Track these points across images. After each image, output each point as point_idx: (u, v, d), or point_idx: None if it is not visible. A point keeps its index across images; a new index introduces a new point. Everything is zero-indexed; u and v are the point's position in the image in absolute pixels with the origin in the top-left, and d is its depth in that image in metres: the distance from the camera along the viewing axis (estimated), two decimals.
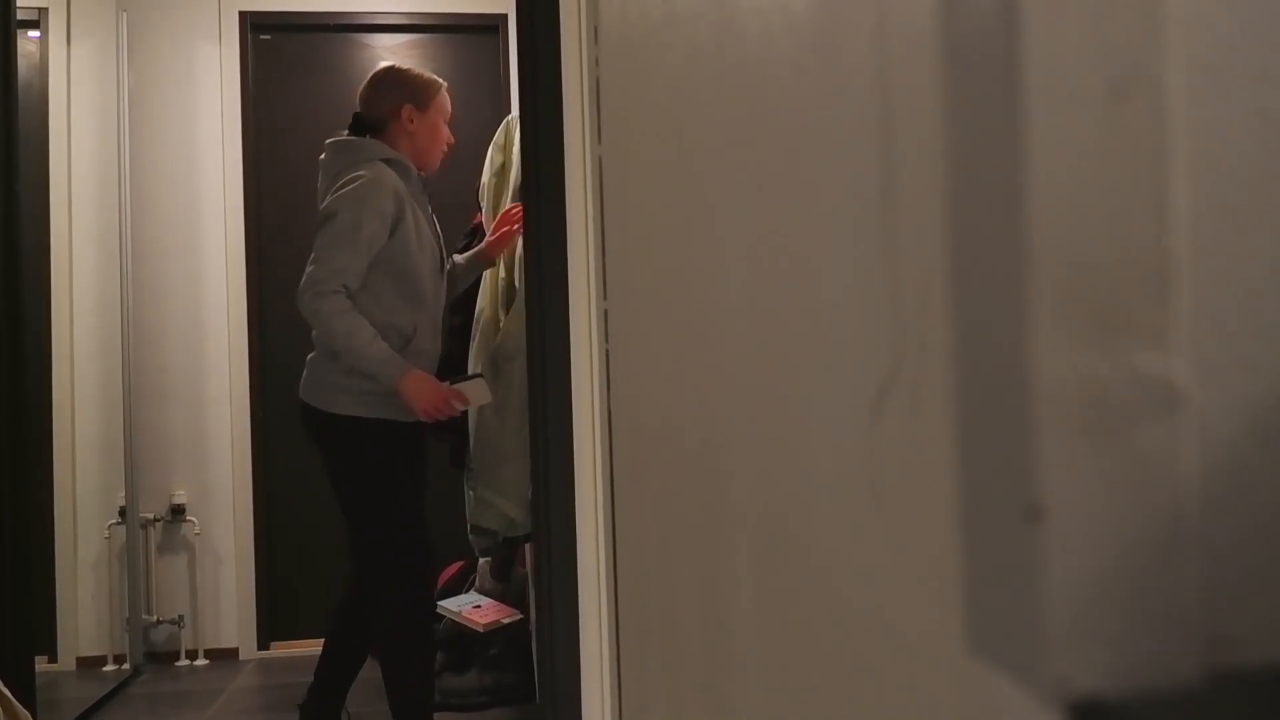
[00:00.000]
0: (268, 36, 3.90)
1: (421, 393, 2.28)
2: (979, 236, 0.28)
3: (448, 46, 3.98)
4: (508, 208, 2.64)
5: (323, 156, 2.45)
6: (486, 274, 2.72)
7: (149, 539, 3.69)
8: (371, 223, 2.27)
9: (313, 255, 2.29)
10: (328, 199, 2.32)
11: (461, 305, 2.75)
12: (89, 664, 3.42)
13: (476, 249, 2.66)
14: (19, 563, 2.61)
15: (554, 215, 1.80)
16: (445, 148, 2.55)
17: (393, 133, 2.45)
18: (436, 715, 2.79)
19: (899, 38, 0.34)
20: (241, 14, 3.83)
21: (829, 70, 0.41)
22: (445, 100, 2.53)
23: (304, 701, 2.56)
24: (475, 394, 2.37)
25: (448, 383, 2.36)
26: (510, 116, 2.76)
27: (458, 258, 2.65)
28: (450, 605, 2.95)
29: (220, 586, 3.74)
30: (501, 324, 2.61)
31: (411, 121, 2.45)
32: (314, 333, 2.37)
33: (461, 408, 2.37)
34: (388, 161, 2.38)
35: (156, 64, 3.78)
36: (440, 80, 2.54)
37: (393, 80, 2.49)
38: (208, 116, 3.80)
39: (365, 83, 2.53)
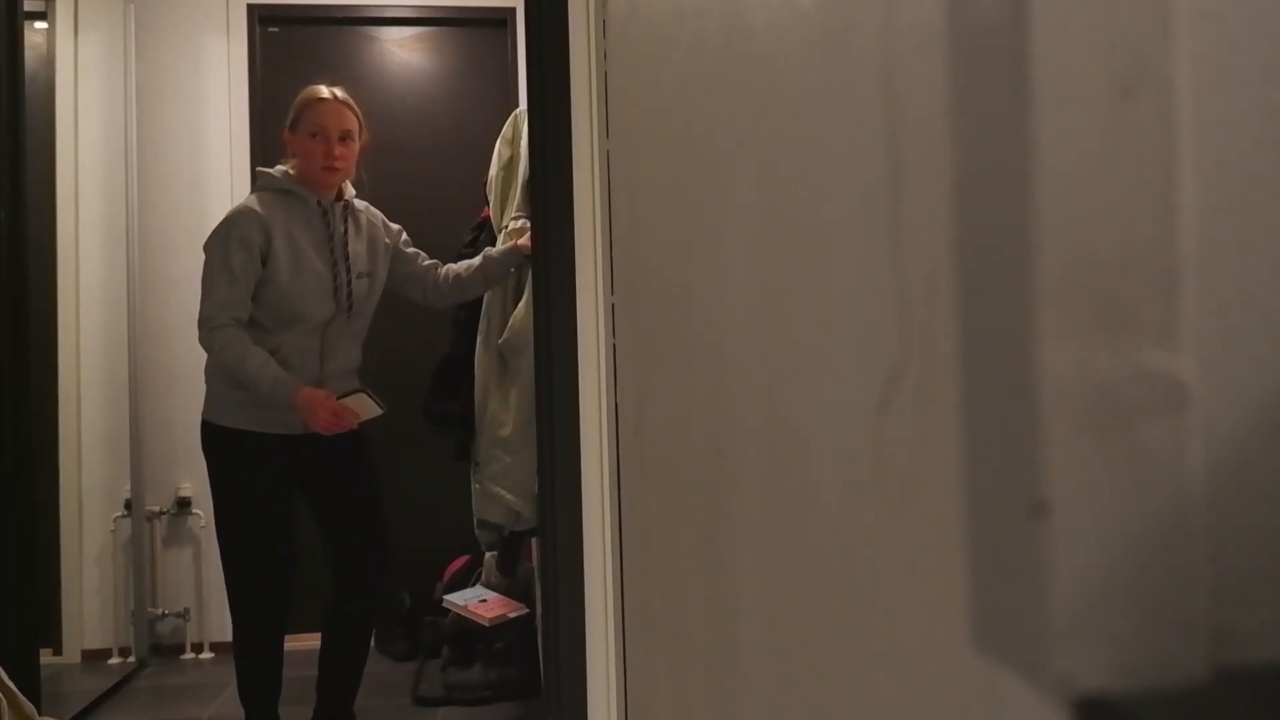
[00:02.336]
0: (275, 29, 3.90)
1: (311, 410, 2.31)
2: (985, 233, 0.28)
3: (455, 39, 3.97)
4: None
5: None
6: None
7: (154, 532, 3.69)
8: (238, 252, 2.30)
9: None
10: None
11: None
12: (94, 657, 3.43)
13: (511, 244, 2.59)
14: (24, 555, 2.62)
15: (561, 209, 1.80)
16: (328, 164, 2.39)
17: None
18: (444, 710, 2.81)
19: (906, 34, 0.34)
20: (249, 6, 3.82)
21: (836, 66, 0.41)
22: (313, 112, 2.42)
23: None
24: (362, 408, 2.42)
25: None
26: (518, 110, 2.75)
27: (491, 251, 2.62)
28: (456, 599, 2.96)
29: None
30: (509, 317, 2.60)
31: (289, 146, 2.47)
32: None
33: (354, 422, 2.40)
34: (284, 192, 2.40)
35: (164, 56, 3.78)
36: (309, 89, 2.46)
37: None
38: (215, 109, 3.80)
39: None
